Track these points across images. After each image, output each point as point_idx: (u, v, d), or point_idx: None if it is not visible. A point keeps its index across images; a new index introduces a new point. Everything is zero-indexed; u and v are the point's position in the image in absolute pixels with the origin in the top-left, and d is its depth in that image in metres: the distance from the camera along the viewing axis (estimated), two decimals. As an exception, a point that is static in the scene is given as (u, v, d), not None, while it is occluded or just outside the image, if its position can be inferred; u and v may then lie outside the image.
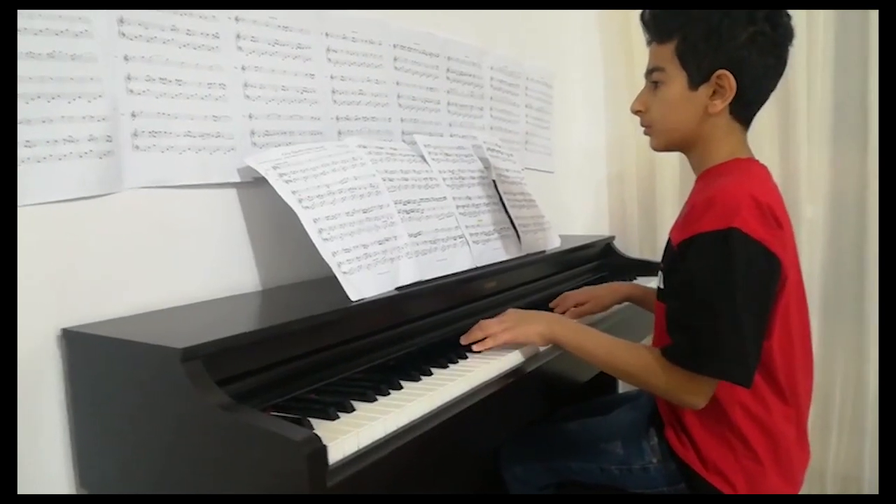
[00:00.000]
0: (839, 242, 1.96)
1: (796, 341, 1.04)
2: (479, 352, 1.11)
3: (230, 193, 1.21)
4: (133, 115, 1.05)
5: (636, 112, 1.13)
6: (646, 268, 1.85)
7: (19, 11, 0.90)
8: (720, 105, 1.04)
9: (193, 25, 1.13)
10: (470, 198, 1.44)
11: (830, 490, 1.99)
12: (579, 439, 1.23)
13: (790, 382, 1.03)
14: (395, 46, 1.54)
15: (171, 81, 1.10)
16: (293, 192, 1.09)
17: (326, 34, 1.37)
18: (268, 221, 1.24)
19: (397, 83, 1.56)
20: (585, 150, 2.37)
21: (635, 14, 1.15)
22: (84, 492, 0.99)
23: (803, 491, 1.11)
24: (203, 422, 0.78)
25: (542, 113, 2.16)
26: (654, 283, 1.67)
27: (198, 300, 1.13)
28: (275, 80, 1.27)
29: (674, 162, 2.15)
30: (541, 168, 2.15)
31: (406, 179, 1.31)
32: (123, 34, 1.03)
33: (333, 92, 1.39)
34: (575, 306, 1.40)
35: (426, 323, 1.19)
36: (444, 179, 1.40)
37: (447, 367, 1.05)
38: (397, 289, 1.15)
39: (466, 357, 1.10)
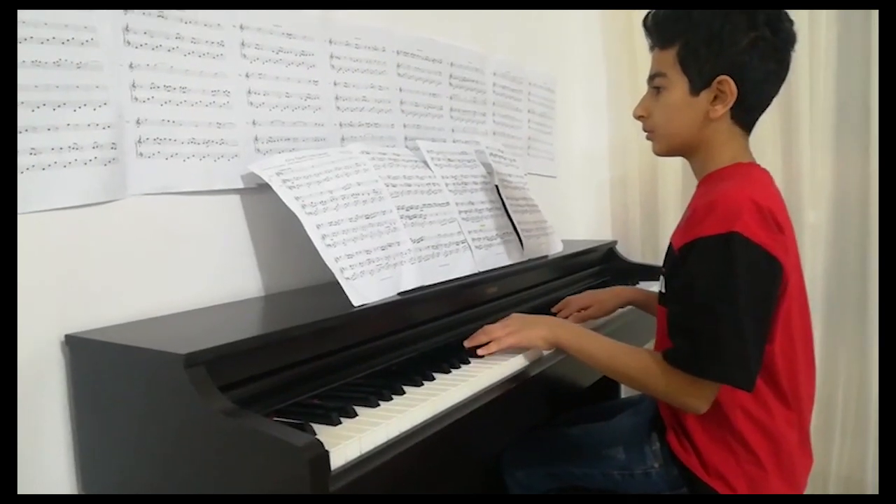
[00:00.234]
0: (841, 246, 1.95)
1: (798, 345, 1.04)
2: (482, 356, 1.12)
3: (234, 200, 1.21)
4: (138, 122, 1.06)
5: (638, 117, 1.14)
6: (648, 272, 1.86)
7: (26, 21, 0.91)
8: (721, 110, 1.04)
9: (198, 34, 1.14)
10: (472, 203, 1.45)
11: (833, 493, 1.98)
12: (581, 444, 1.23)
13: (792, 386, 1.03)
14: (398, 53, 1.55)
15: (175, 89, 1.11)
16: (296, 198, 1.10)
17: (330, 41, 1.38)
18: (271, 227, 1.25)
19: (400, 89, 1.56)
20: (588, 154, 2.38)
21: (638, 17, 1.15)
22: (88, 496, 1.00)
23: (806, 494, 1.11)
24: (206, 427, 0.79)
25: (545, 118, 2.16)
26: (656, 287, 1.68)
27: (201, 306, 1.14)
28: (279, 86, 1.28)
29: (676, 166, 2.15)
30: (543, 173, 2.15)
31: (409, 185, 1.31)
32: (129, 42, 1.04)
33: (337, 98, 1.40)
34: (578, 311, 1.40)
35: (428, 328, 1.19)
36: (446, 185, 1.41)
37: (449, 372, 1.05)
38: (400, 294, 1.15)
39: (469, 362, 1.10)
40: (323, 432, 0.81)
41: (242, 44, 1.21)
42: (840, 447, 1.98)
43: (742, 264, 0.93)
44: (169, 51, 1.10)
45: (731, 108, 1.04)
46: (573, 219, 2.32)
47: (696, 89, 1.05)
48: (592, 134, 2.36)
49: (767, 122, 1.88)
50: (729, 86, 1.02)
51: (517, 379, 1.07)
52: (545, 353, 1.15)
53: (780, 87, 1.07)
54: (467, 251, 1.36)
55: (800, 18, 1.86)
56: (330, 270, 1.07)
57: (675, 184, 2.17)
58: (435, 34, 1.66)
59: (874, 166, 1.84)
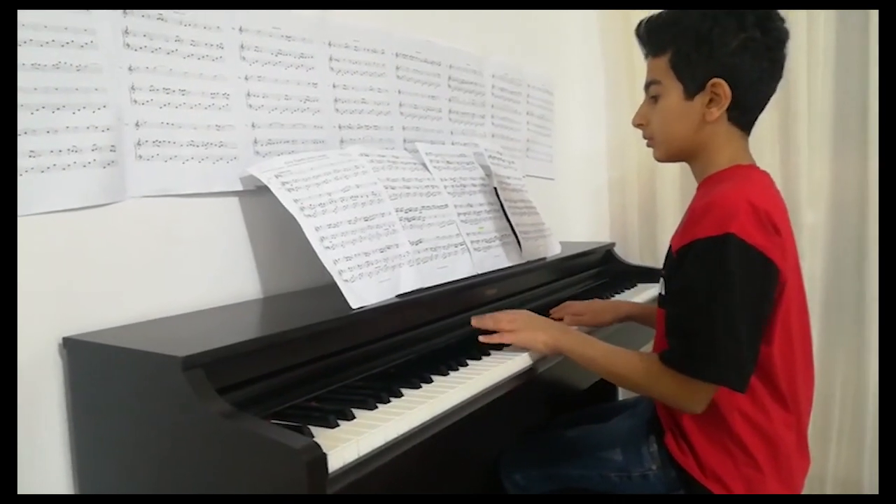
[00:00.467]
0: (839, 247, 1.96)
1: (797, 347, 1.04)
2: (480, 358, 1.13)
3: (233, 202, 1.22)
4: (137, 124, 1.06)
5: (637, 125, 1.15)
6: (646, 274, 1.86)
7: (25, 24, 0.92)
8: (717, 113, 1.04)
9: (197, 36, 1.14)
10: (471, 205, 1.45)
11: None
12: (579, 446, 1.23)
13: (791, 389, 1.04)
14: (396, 55, 1.55)
15: (174, 91, 1.11)
16: (295, 201, 1.10)
17: (329, 43, 1.38)
18: (270, 230, 1.25)
19: (399, 91, 1.57)
20: (586, 156, 2.38)
21: (636, 18, 1.16)
22: (86, 498, 1.00)
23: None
24: (204, 430, 0.79)
25: (544, 120, 2.17)
26: (655, 289, 1.68)
27: (199, 308, 1.14)
28: (278, 89, 1.28)
29: (674, 168, 2.16)
30: (542, 175, 2.16)
31: (408, 187, 1.31)
32: (128, 45, 1.05)
33: (336, 101, 1.40)
34: (573, 315, 1.40)
35: (427, 330, 1.19)
36: (445, 187, 1.41)
37: (447, 374, 1.06)
38: (398, 296, 1.15)
39: (467, 364, 1.11)
40: (321, 435, 0.81)
41: (241, 46, 1.21)
42: (837, 449, 1.99)
43: (737, 266, 0.93)
44: (168, 53, 1.10)
45: (728, 110, 1.05)
46: (571, 221, 2.33)
47: (690, 94, 1.05)
48: (591, 136, 2.37)
49: (765, 123, 1.88)
50: (722, 88, 1.02)
51: (515, 381, 1.08)
52: (540, 357, 1.16)
53: (775, 85, 1.07)
54: (466, 253, 1.36)
55: (798, 19, 1.88)
56: (328, 273, 1.07)
57: (673, 186, 2.18)
58: (434, 36, 1.67)
59: (872, 167, 1.84)
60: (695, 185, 1.14)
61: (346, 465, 0.77)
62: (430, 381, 1.02)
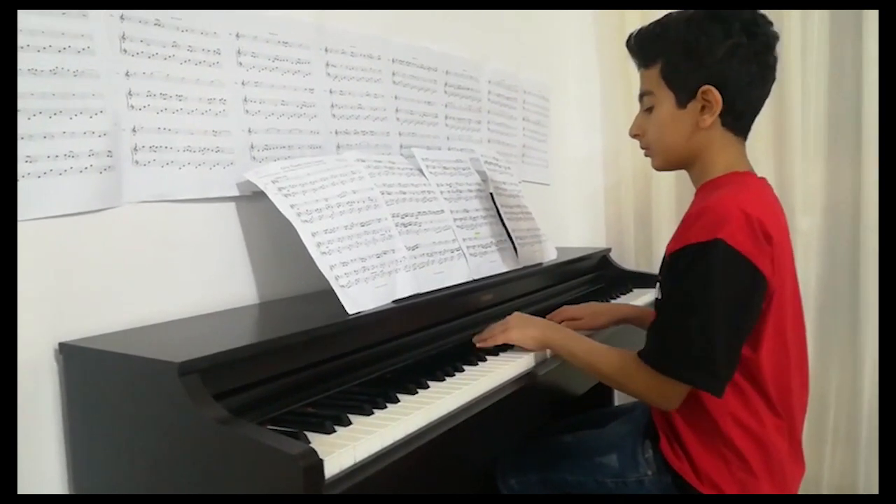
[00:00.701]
0: (834, 253, 1.97)
1: (792, 354, 1.05)
2: (476, 364, 1.14)
3: (229, 207, 1.22)
4: (134, 130, 1.07)
5: (634, 136, 1.16)
6: (642, 279, 1.86)
7: (23, 29, 0.92)
8: (709, 119, 1.05)
9: (194, 42, 1.14)
10: (467, 210, 1.46)
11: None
12: (574, 452, 1.23)
13: (781, 395, 1.04)
14: (393, 61, 1.56)
15: (171, 97, 1.11)
16: (292, 206, 1.10)
17: (326, 49, 1.39)
18: (266, 235, 1.25)
19: (396, 97, 1.57)
20: (582, 161, 2.39)
21: (631, 25, 1.17)
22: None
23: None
24: (200, 436, 0.79)
25: (539, 126, 2.17)
26: (650, 294, 1.69)
27: (196, 314, 1.14)
28: (274, 94, 1.28)
29: (669, 174, 2.16)
30: (538, 180, 2.16)
31: (404, 193, 1.32)
32: (125, 51, 1.05)
33: (332, 106, 1.40)
34: (570, 319, 1.41)
35: (423, 336, 1.20)
36: (441, 192, 1.42)
37: (444, 380, 1.06)
38: (394, 302, 1.15)
39: (463, 370, 1.11)
40: (317, 441, 0.81)
41: (238, 52, 1.22)
42: (832, 454, 1.99)
43: (722, 271, 0.94)
44: (165, 59, 1.10)
45: (721, 116, 1.05)
46: (567, 226, 2.33)
47: (682, 102, 1.06)
48: (586, 142, 2.37)
49: (760, 129, 1.88)
50: (713, 95, 1.03)
51: (511, 387, 1.08)
52: (536, 362, 1.17)
53: (768, 89, 1.08)
54: (462, 259, 1.36)
55: (791, 24, 1.89)
56: (325, 278, 1.07)
57: (668, 191, 2.19)
58: (430, 42, 1.67)
59: (866, 172, 1.85)
60: (690, 190, 1.14)
61: (343, 471, 0.77)
62: (427, 386, 1.02)
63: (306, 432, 0.83)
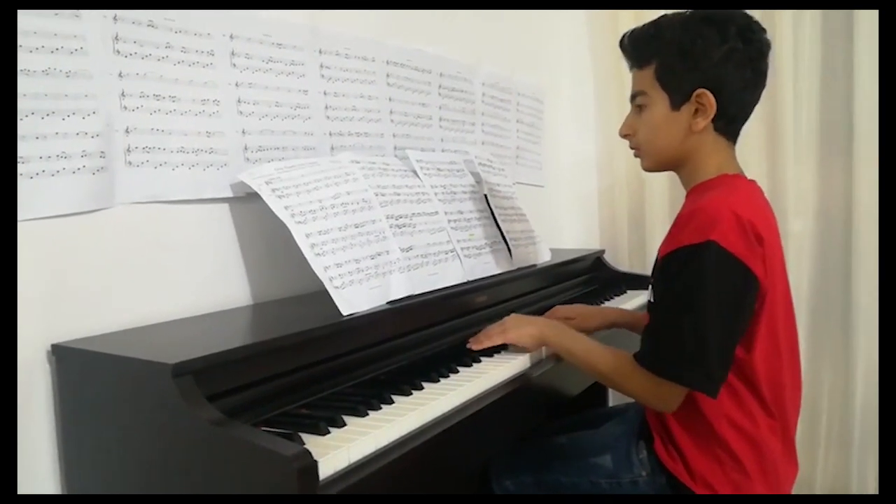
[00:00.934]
0: (826, 256, 1.98)
1: (784, 355, 1.06)
2: (470, 365, 1.14)
3: (223, 208, 1.21)
4: (127, 130, 1.06)
5: (624, 136, 1.16)
6: (636, 281, 1.87)
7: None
8: (703, 123, 1.06)
9: (188, 43, 1.14)
10: (461, 212, 1.46)
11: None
12: (569, 453, 1.23)
13: (775, 395, 1.05)
14: (387, 63, 1.56)
15: (164, 98, 1.11)
16: (286, 208, 1.10)
17: (320, 51, 1.38)
18: (260, 236, 1.25)
19: (390, 99, 1.57)
20: (575, 163, 2.39)
21: (625, 26, 1.17)
22: (73, 506, 0.99)
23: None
24: (193, 437, 0.78)
25: (533, 128, 2.18)
26: (644, 296, 1.69)
27: (189, 315, 1.13)
28: (268, 96, 1.28)
29: (663, 176, 2.17)
30: (531, 182, 2.17)
31: (398, 194, 1.32)
32: (118, 51, 1.04)
33: (326, 108, 1.40)
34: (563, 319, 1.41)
35: (417, 337, 1.20)
36: (435, 194, 1.42)
37: (438, 381, 1.06)
38: (389, 303, 1.15)
39: (457, 371, 1.11)
40: (311, 442, 0.81)
41: (232, 53, 1.21)
42: (825, 456, 2.00)
43: (714, 273, 0.95)
44: (158, 60, 1.10)
45: (713, 120, 1.06)
46: (561, 228, 2.34)
47: (676, 105, 1.07)
48: (580, 144, 2.38)
49: (752, 132, 1.90)
50: (708, 98, 1.04)
51: (506, 388, 1.08)
52: (530, 363, 1.17)
53: (759, 94, 1.09)
54: (456, 260, 1.36)
55: (783, 27, 1.90)
56: (319, 279, 1.07)
57: (662, 193, 2.20)
58: (424, 45, 1.67)
59: (858, 175, 1.86)
60: (683, 192, 1.15)
61: (337, 473, 0.77)
62: (421, 388, 1.02)
63: (300, 434, 0.83)
